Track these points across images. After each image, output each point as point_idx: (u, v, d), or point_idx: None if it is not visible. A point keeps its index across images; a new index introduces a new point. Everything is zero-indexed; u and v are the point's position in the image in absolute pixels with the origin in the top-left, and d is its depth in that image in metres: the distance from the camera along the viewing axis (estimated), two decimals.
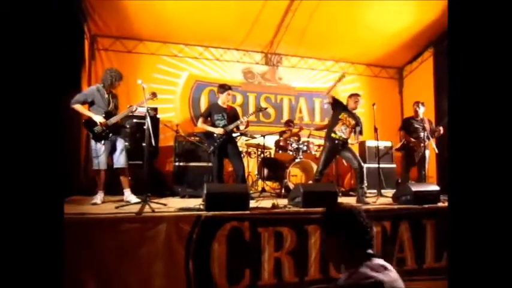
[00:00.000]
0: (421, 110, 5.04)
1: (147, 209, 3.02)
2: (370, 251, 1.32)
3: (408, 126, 5.04)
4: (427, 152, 4.89)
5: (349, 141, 4.40)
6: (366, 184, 5.57)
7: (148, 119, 3.55)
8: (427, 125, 4.94)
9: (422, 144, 4.85)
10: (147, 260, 2.70)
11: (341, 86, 7.42)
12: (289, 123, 6.14)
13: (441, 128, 4.88)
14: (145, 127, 3.58)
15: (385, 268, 1.28)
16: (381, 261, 1.30)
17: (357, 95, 4.47)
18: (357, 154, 4.42)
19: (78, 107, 3.74)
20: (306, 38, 6.32)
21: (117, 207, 3.18)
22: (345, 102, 4.49)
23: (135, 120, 4.47)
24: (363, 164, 4.32)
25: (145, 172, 4.06)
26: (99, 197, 3.72)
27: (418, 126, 5.00)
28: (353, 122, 4.32)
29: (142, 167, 4.45)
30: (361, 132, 4.41)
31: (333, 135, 4.28)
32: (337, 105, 4.40)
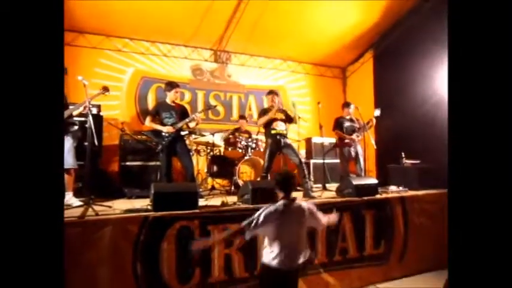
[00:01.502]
0: (351, 110, 5.42)
1: (90, 212, 2.88)
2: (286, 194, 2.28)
3: (341, 125, 5.38)
4: (359, 148, 5.25)
5: (293, 135, 4.62)
6: (312, 179, 5.85)
7: (90, 116, 3.37)
8: (356, 123, 5.33)
9: (355, 140, 5.21)
10: (92, 266, 2.59)
11: (289, 84, 7.68)
12: (241, 118, 6.24)
13: (374, 119, 5.24)
14: (87, 125, 3.39)
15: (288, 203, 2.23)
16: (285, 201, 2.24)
17: (271, 93, 4.71)
18: (297, 151, 4.66)
19: None
20: (255, 35, 6.40)
21: None
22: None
23: (76, 118, 4.19)
24: (303, 159, 4.56)
25: (87, 173, 3.85)
26: None
27: (349, 124, 5.36)
28: (282, 115, 4.58)
29: (85, 167, 4.22)
30: (291, 119, 4.70)
31: (272, 132, 4.51)
32: (263, 113, 4.66)
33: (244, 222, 2.18)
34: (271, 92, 4.71)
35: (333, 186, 5.19)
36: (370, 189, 4.09)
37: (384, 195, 4.18)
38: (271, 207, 2.20)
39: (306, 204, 2.33)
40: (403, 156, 5.22)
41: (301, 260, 2.18)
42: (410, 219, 4.11)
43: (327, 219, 2.41)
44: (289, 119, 4.63)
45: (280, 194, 2.29)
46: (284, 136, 4.52)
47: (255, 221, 2.15)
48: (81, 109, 3.65)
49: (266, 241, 2.23)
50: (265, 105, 4.90)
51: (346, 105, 5.53)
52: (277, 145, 4.47)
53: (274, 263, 2.12)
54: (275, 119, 4.50)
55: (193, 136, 5.59)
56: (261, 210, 2.19)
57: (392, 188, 4.57)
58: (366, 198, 3.91)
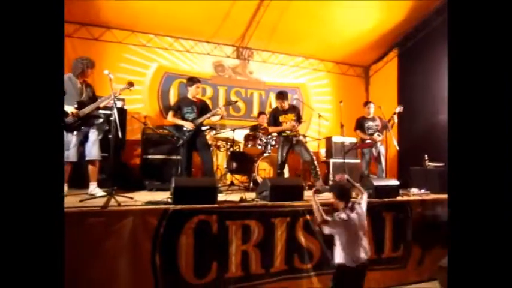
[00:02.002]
0: (372, 110, 5.31)
1: (113, 202, 2.96)
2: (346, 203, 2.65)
3: (362, 125, 5.28)
4: (382, 148, 5.14)
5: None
6: (332, 179, 5.79)
7: (115, 110, 3.46)
8: (378, 122, 5.23)
9: (377, 140, 5.11)
10: (113, 255, 2.66)
11: (310, 82, 7.62)
12: (261, 114, 6.24)
13: (395, 117, 5.14)
14: (112, 118, 3.48)
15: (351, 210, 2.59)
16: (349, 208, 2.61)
17: (280, 95, 4.70)
18: (309, 148, 4.71)
19: None
20: (277, 33, 6.38)
21: (81, 201, 3.10)
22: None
23: (101, 111, 4.32)
24: (314, 157, 4.57)
25: (111, 165, 3.97)
26: None
27: (370, 123, 5.26)
28: (293, 115, 4.58)
29: (108, 159, 4.34)
30: (299, 119, 4.74)
31: (283, 133, 4.62)
32: (273, 115, 4.73)
33: (327, 219, 2.55)
34: (281, 96, 4.71)
35: None
36: (391, 191, 4.00)
37: (405, 198, 4.09)
38: (342, 215, 2.55)
39: (362, 208, 2.69)
40: (427, 158, 5.08)
41: (365, 257, 2.55)
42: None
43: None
44: (299, 120, 4.65)
45: (340, 204, 2.64)
46: (295, 135, 4.55)
47: (331, 223, 2.53)
48: (106, 102, 3.76)
49: (337, 242, 2.57)
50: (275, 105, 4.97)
51: (365, 104, 5.46)
52: (289, 143, 4.53)
53: (344, 260, 2.50)
54: (285, 122, 4.60)
55: (214, 131, 5.65)
56: (336, 215, 2.57)
57: (414, 190, 4.47)
58: (386, 199, 3.84)
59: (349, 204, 2.63)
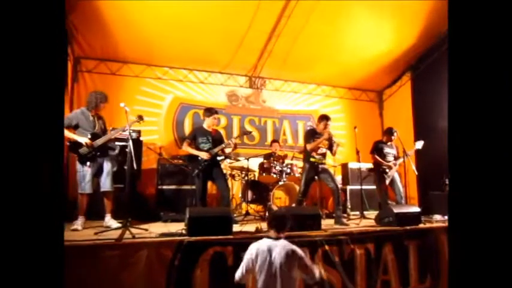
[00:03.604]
0: (393, 137, 5.19)
1: (127, 234, 2.94)
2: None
3: (379, 150, 5.16)
4: (396, 174, 4.99)
5: (329, 161, 4.52)
6: (349, 206, 5.63)
7: (130, 141, 3.51)
8: (395, 151, 5.10)
9: (393, 167, 4.96)
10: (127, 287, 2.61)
11: (323, 108, 7.62)
12: (274, 142, 6.23)
13: (413, 150, 5.04)
14: (127, 150, 3.54)
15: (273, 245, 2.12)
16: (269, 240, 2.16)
17: (326, 119, 4.53)
18: (334, 176, 4.55)
19: None
20: (289, 62, 6.48)
21: (96, 233, 3.09)
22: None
23: (117, 143, 4.41)
24: (339, 185, 4.41)
25: (126, 196, 3.98)
26: (79, 223, 3.62)
27: (388, 150, 5.13)
28: (327, 143, 4.45)
29: (124, 190, 4.37)
30: (331, 148, 4.52)
31: (311, 159, 4.43)
32: (312, 135, 4.54)
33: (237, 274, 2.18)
34: (325, 118, 4.55)
35: (370, 213, 4.95)
36: (413, 218, 3.85)
37: (428, 225, 3.92)
38: (252, 251, 2.14)
39: (294, 247, 2.14)
40: (447, 182, 4.90)
41: None
42: None
43: (318, 270, 2.17)
44: (331, 148, 4.52)
45: (273, 233, 2.19)
46: (322, 162, 4.44)
47: (241, 269, 2.15)
48: (118, 133, 3.85)
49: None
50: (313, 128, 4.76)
51: (389, 132, 5.28)
52: (314, 170, 4.40)
53: None
54: (320, 147, 4.42)
55: (228, 161, 5.64)
56: (246, 254, 2.15)
57: (437, 217, 4.29)
58: (408, 227, 3.68)
59: (278, 238, 2.18)
